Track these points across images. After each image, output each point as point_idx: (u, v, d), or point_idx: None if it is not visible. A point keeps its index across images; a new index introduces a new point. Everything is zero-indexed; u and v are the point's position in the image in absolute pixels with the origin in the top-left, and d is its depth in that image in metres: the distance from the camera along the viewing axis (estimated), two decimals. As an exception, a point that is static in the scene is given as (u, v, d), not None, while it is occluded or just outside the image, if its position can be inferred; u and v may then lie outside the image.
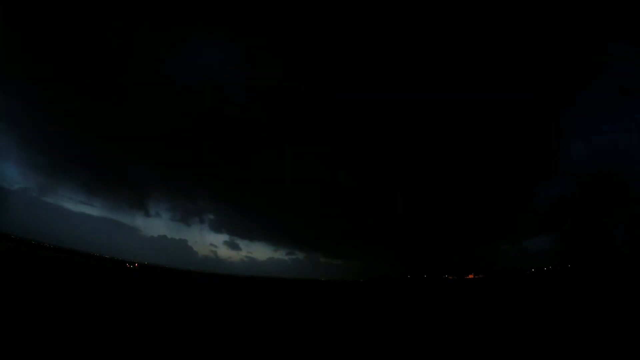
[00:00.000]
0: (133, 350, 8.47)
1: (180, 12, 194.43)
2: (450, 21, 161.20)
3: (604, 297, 28.59)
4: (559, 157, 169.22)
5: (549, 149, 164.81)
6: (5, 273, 24.82)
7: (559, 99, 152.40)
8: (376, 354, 10.21)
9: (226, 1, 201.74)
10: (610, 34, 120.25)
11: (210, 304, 23.57)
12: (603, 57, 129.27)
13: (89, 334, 9.61)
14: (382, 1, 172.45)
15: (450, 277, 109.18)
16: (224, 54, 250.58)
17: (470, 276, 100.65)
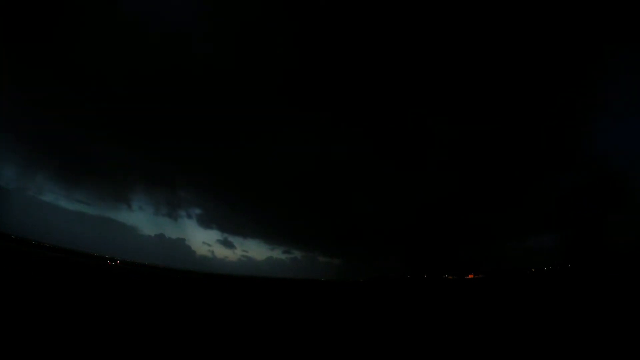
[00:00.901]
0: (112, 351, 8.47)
1: None
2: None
3: (604, 297, 28.60)
4: (572, 153, 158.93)
5: (562, 144, 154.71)
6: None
7: (580, 93, 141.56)
8: (376, 354, 10.21)
9: None
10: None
11: (203, 304, 23.58)
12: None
13: (64, 333, 9.61)
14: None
15: (450, 277, 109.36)
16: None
17: (470, 276, 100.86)
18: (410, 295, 48.84)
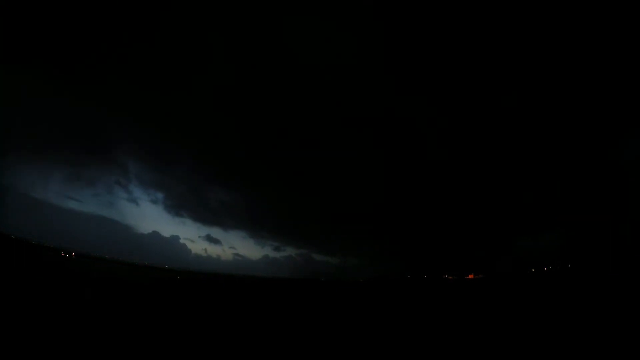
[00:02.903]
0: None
1: None
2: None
3: (604, 297, 28.51)
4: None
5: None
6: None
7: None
8: (376, 355, 10.12)
9: None
10: None
11: (193, 304, 23.56)
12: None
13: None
14: None
15: (450, 278, 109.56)
16: None
17: (471, 276, 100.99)
18: (411, 296, 48.80)
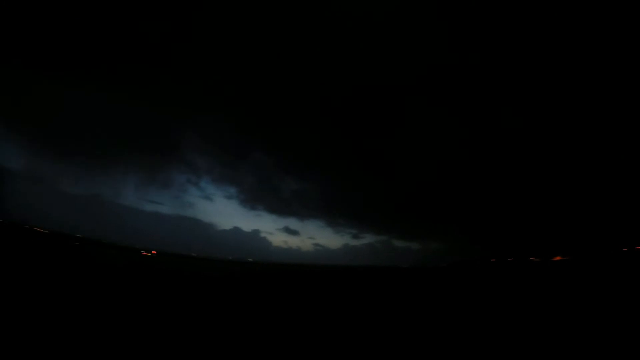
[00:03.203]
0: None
1: None
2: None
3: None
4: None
5: None
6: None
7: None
8: (464, 341, 10.04)
9: None
10: None
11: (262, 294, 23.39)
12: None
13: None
14: None
15: (536, 260, 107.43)
16: None
17: (557, 258, 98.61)
18: (495, 280, 48.27)
